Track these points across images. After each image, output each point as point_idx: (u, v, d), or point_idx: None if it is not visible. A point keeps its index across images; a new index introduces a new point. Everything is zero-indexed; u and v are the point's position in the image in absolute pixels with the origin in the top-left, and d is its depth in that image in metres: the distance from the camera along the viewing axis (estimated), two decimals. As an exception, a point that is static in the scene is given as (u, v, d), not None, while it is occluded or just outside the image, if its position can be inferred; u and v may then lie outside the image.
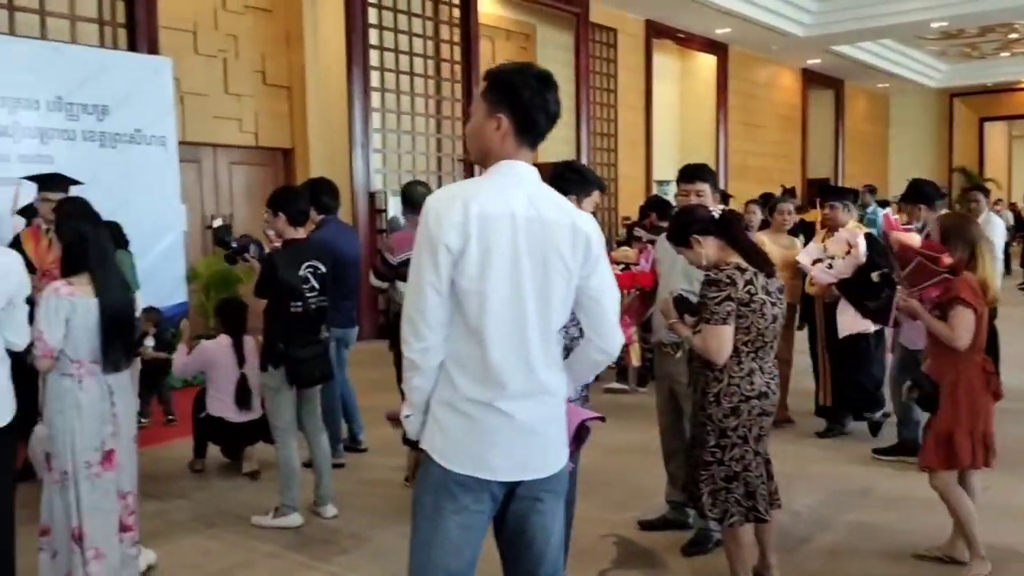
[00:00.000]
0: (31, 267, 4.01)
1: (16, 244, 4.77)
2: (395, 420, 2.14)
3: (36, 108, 6.63)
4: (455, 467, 1.97)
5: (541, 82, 2.00)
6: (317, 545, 3.99)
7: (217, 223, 4.56)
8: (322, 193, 5.15)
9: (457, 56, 10.78)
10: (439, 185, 9.45)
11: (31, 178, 4.99)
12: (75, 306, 3.04)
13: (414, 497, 2.06)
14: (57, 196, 4.61)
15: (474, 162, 2.12)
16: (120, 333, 3.15)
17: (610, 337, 2.11)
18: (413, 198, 4.85)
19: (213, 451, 5.19)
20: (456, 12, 10.66)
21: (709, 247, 3.15)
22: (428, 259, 1.92)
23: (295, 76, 9.35)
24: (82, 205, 3.41)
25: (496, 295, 1.93)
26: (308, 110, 9.33)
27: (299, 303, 4.09)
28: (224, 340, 4.96)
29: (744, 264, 3.06)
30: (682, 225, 3.24)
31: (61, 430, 3.08)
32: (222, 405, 4.97)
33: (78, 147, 6.83)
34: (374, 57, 9.66)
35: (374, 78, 9.68)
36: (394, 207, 9.71)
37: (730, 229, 3.17)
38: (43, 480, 3.26)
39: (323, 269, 4.20)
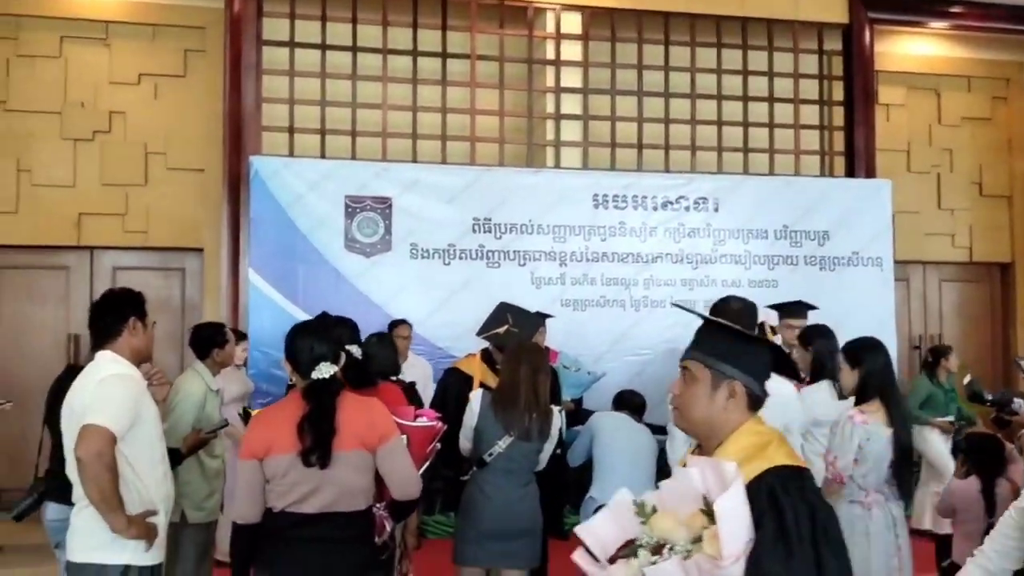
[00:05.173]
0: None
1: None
2: None
3: (765, 237, 7.28)
4: None
5: None
6: None
7: (967, 379, 4.36)
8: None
9: None
10: None
11: (775, 306, 5.34)
12: (869, 433, 3.05)
13: None
14: (799, 323, 4.88)
15: None
16: (908, 463, 3.06)
17: None
18: None
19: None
20: None
21: None
22: None
23: (1017, 184, 8.56)
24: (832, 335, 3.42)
25: None
26: (1032, 220, 8.41)
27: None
28: (975, 482, 4.30)
29: None
30: None
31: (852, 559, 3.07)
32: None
33: (799, 271, 7.25)
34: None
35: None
36: None
37: None
38: None
39: None
